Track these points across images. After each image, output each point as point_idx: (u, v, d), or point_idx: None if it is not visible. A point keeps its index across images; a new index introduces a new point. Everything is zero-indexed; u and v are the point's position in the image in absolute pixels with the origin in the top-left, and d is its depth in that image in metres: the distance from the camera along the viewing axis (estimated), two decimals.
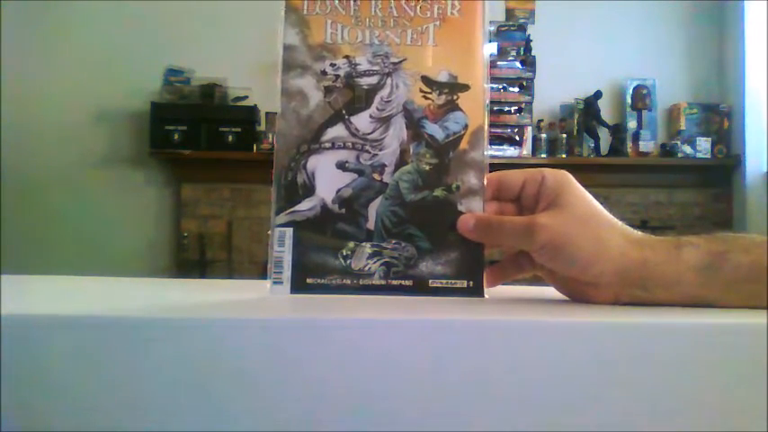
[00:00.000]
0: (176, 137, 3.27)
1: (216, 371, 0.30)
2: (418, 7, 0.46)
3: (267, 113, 3.36)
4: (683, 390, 0.31)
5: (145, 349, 0.30)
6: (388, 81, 0.45)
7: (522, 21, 3.49)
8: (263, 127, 3.37)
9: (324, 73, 0.45)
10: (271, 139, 3.32)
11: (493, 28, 3.46)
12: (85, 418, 0.30)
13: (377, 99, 0.45)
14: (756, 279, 0.38)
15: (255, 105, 3.34)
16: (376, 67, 0.45)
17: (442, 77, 0.45)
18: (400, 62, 0.45)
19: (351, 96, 0.45)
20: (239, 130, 3.30)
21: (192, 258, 3.32)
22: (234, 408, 0.30)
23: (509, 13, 3.52)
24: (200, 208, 3.39)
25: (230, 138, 3.29)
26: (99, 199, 3.41)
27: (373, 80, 0.45)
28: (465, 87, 0.45)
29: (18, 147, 3.35)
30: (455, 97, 0.45)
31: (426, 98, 0.45)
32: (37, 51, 3.43)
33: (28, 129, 3.39)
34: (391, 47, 0.45)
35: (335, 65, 0.45)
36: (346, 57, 0.45)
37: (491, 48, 3.26)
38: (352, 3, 0.46)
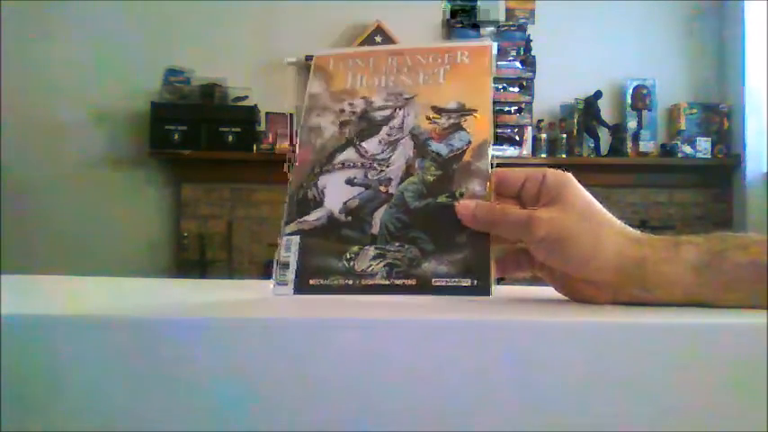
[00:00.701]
0: (176, 137, 3.27)
1: (217, 371, 0.30)
2: (430, 57, 0.50)
3: (267, 113, 3.36)
4: (683, 390, 0.31)
5: (145, 349, 0.30)
6: (400, 113, 0.48)
7: (522, 21, 3.49)
8: (263, 127, 3.37)
9: (342, 111, 0.49)
10: (271, 140, 3.32)
11: (493, 28, 3.47)
12: (85, 418, 0.30)
13: (386, 127, 0.47)
14: (755, 278, 0.38)
15: (255, 105, 3.34)
16: (390, 103, 0.48)
17: (451, 106, 0.47)
18: (412, 97, 0.48)
19: (363, 126, 0.48)
20: (239, 130, 3.30)
21: (192, 258, 3.32)
22: (235, 407, 0.30)
23: (509, 13, 3.52)
24: (200, 208, 3.39)
25: (230, 138, 3.30)
26: (99, 199, 3.41)
27: (386, 113, 0.48)
28: (472, 112, 0.47)
29: (18, 147, 3.35)
30: (461, 121, 0.46)
31: (433, 123, 0.47)
32: (37, 51, 3.43)
33: (28, 129, 3.39)
34: (404, 87, 0.49)
35: (353, 104, 0.49)
36: (363, 97, 0.49)
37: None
38: (371, 60, 0.51)
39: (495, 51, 0.50)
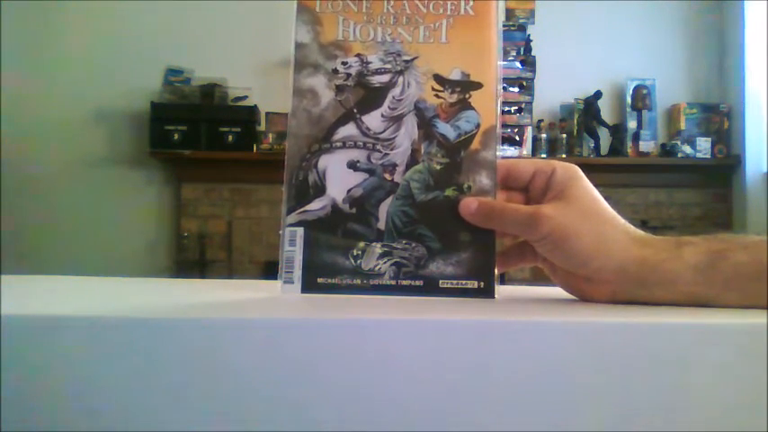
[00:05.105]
0: (176, 137, 3.27)
1: (218, 371, 0.30)
2: (431, 5, 0.45)
3: (267, 113, 3.36)
4: (683, 390, 0.31)
5: (145, 349, 0.30)
6: (400, 79, 0.45)
7: (522, 21, 3.49)
8: (263, 127, 3.37)
9: (335, 71, 0.45)
10: (271, 140, 3.32)
11: None
12: (86, 418, 0.30)
13: (389, 98, 0.45)
14: (756, 277, 0.38)
15: (255, 105, 3.34)
16: (388, 66, 0.45)
17: (455, 75, 0.45)
18: (412, 60, 0.45)
19: (362, 95, 0.45)
20: (239, 130, 3.30)
21: (191, 258, 3.32)
22: (236, 408, 0.30)
23: (509, 13, 3.52)
24: (200, 208, 3.39)
25: (230, 138, 3.29)
26: (99, 199, 3.41)
27: (385, 78, 0.45)
28: (477, 85, 0.44)
29: (18, 147, 3.35)
30: (467, 96, 0.44)
31: (438, 97, 0.44)
32: (37, 51, 3.43)
33: (28, 129, 3.39)
34: (403, 45, 0.45)
35: (347, 63, 0.45)
36: (358, 55, 0.45)
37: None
38: (364, 1, 0.45)
39: (500, 8, 0.46)
